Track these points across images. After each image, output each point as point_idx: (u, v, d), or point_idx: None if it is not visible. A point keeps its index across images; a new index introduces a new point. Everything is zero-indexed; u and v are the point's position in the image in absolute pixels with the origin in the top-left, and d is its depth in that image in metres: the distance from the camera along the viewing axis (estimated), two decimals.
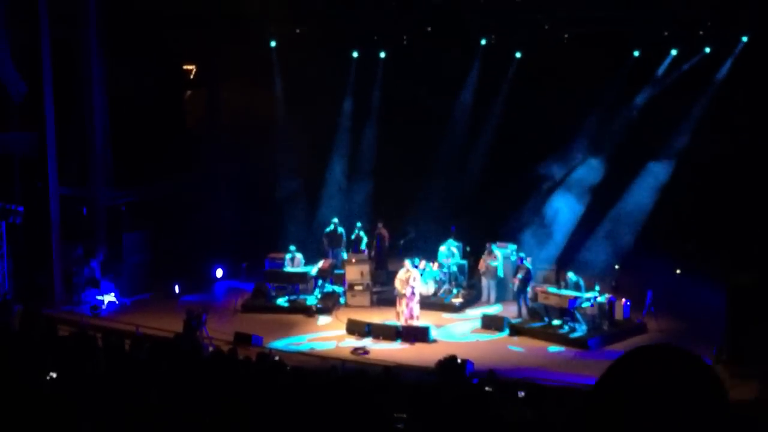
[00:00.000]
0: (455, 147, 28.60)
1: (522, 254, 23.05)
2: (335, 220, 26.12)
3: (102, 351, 11.29)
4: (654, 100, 26.51)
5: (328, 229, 26.03)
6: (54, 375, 7.54)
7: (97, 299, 23.41)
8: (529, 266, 22.59)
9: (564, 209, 26.40)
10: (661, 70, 26.66)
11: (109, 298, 23.64)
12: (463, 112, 28.69)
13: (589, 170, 26.62)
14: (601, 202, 26.39)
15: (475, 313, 22.96)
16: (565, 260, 24.14)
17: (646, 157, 26.57)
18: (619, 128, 26.87)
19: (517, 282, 22.60)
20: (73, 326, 18.24)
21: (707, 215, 25.41)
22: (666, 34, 26.29)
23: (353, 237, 25.83)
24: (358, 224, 26.04)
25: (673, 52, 26.39)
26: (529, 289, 22.30)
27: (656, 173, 26.38)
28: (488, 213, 26.63)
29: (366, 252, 25.34)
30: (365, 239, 25.73)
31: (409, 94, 27.62)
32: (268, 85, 28.40)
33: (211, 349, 16.92)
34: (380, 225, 26.26)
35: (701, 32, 25.82)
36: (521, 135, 26.62)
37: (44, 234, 23.85)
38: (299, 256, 24.34)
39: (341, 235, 25.95)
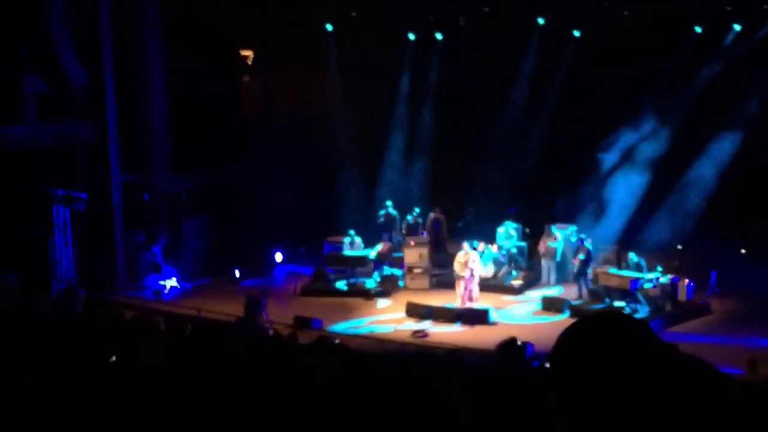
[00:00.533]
0: (513, 128, 28.30)
1: (582, 235, 22.79)
2: (388, 203, 26.08)
3: (164, 335, 11.39)
4: (717, 77, 25.91)
5: (381, 212, 26.00)
6: (115, 359, 7.62)
7: (159, 284, 23.70)
8: (590, 247, 22.32)
9: (625, 189, 26.04)
10: (724, 45, 26.04)
11: (171, 282, 23.92)
12: (521, 93, 28.37)
13: (650, 149, 26.20)
14: (663, 181, 25.95)
15: (535, 295, 22.79)
16: (627, 240, 23.81)
17: (708, 135, 26.01)
18: (680, 106, 26.35)
19: (577, 263, 22.35)
20: (136, 310, 18.47)
21: None
22: (728, 8, 25.67)
23: (410, 221, 25.76)
24: (416, 210, 25.96)
25: (736, 27, 25.76)
26: (589, 271, 22.04)
27: (720, 150, 25.82)
28: (547, 194, 26.35)
29: (424, 234, 25.28)
30: (419, 222, 25.66)
31: (466, 75, 27.39)
32: (324, 70, 28.39)
33: (271, 332, 17.01)
34: (437, 209, 26.15)
35: (766, 6, 25.16)
36: (581, 115, 26.23)
37: (107, 220, 24.21)
38: (358, 239, 24.37)
39: (395, 218, 25.91)
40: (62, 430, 5.70)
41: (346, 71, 28.07)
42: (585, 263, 22.14)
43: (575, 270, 22.52)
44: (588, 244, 22.37)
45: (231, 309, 19.37)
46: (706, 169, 25.85)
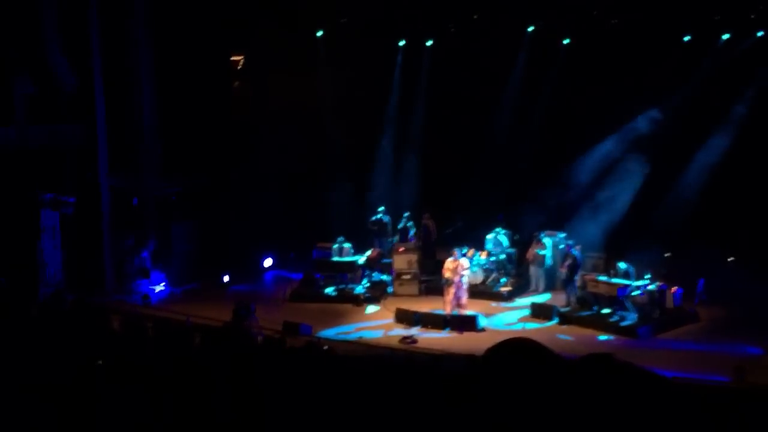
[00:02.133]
0: (503, 135, 28.35)
1: (570, 242, 22.81)
2: (381, 209, 26.07)
3: (152, 340, 11.36)
4: (705, 85, 26.02)
5: (373, 218, 25.99)
6: (101, 363, 7.58)
7: (148, 289, 23.62)
8: (577, 254, 22.35)
9: (614, 196, 26.12)
10: (712, 53, 26.13)
11: (159, 287, 23.83)
12: (510, 101, 28.42)
13: (640, 158, 26.30)
14: (652, 189, 26.05)
15: (524, 302, 22.80)
16: (615, 248, 23.86)
17: (697, 144, 26.14)
18: (669, 114, 26.45)
19: (565, 270, 22.38)
20: (124, 315, 18.38)
21: (760, 202, 24.92)
22: (717, 18, 25.78)
23: (400, 227, 25.75)
24: (406, 214, 25.96)
25: (725, 36, 25.87)
26: (577, 278, 22.07)
27: (708, 159, 25.96)
28: (537, 201, 26.40)
29: (414, 240, 25.26)
30: (413, 230, 25.65)
31: (457, 83, 27.45)
32: (314, 76, 28.38)
33: (260, 338, 16.95)
34: (427, 215, 26.15)
35: (753, 15, 25.28)
36: (571, 122, 26.35)
37: (95, 224, 24.12)
38: (348, 246, 24.34)
39: (387, 224, 25.89)
40: None
41: (337, 77, 28.06)
42: (572, 270, 22.16)
43: (563, 277, 22.55)
44: (576, 251, 22.40)
45: (220, 314, 19.29)
46: (694, 178, 25.97)
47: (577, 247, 22.59)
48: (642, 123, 26.47)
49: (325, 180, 28.14)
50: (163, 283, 23.96)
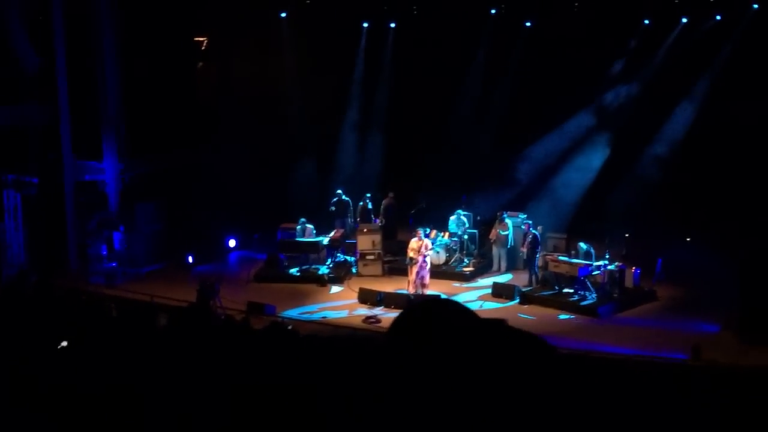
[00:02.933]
0: (466, 117, 28.41)
1: (529, 221, 22.89)
2: (339, 190, 26.01)
3: (116, 321, 11.26)
4: (664, 69, 26.24)
5: (333, 200, 25.93)
6: (65, 344, 7.51)
7: (112, 270, 23.42)
8: (536, 233, 22.48)
9: (574, 178, 26.31)
10: (671, 38, 26.34)
11: (124, 268, 23.65)
12: (473, 82, 28.47)
13: (600, 138, 26.51)
14: (612, 170, 26.27)
15: (486, 282, 22.91)
16: (576, 229, 24.05)
17: (655, 127, 26.39)
18: (629, 96, 26.67)
19: (525, 249, 22.51)
20: (88, 296, 18.23)
21: (717, 183, 25.22)
22: (676, 1, 25.97)
23: (361, 207, 25.73)
24: (368, 195, 25.94)
25: (684, 20, 26.07)
26: (538, 256, 22.21)
27: (666, 139, 26.24)
28: (499, 182, 26.52)
29: (378, 221, 25.28)
30: (371, 209, 25.62)
31: (421, 64, 27.44)
32: (278, 57, 28.21)
33: (223, 318, 16.91)
34: (390, 195, 26.16)
35: None
36: (532, 104, 26.45)
37: (59, 205, 23.85)
38: (310, 226, 24.28)
39: (347, 204, 25.86)
40: (8, 417, 5.62)
41: (301, 57, 27.90)
42: (533, 249, 22.29)
43: (525, 257, 22.69)
44: (535, 230, 22.52)
45: (184, 295, 19.21)
46: (652, 159, 26.22)
47: (538, 228, 22.72)
48: (603, 103, 26.68)
49: (290, 161, 28.04)
50: (128, 264, 23.74)
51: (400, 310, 3.04)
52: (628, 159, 26.27)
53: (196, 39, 28.74)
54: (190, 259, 24.59)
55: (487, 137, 27.96)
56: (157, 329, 10.66)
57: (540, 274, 22.12)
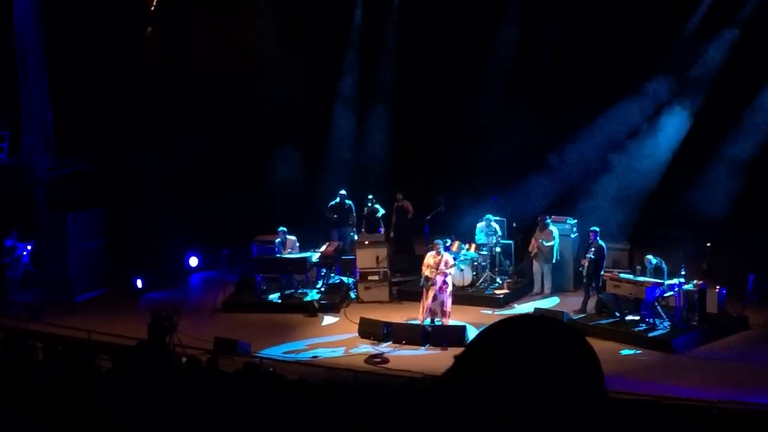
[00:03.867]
0: (494, 102, 28.38)
1: (594, 228, 22.80)
2: (342, 191, 26.02)
3: (43, 365, 11.24)
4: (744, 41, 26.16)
5: (333, 203, 25.93)
6: None
7: (37, 298, 23.42)
8: (603, 244, 22.44)
9: (638, 172, 26.26)
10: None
11: (53, 295, 23.65)
12: (505, 48, 28.47)
13: (669, 123, 26.45)
14: (687, 161, 26.20)
15: (525, 308, 22.88)
16: (642, 237, 23.98)
17: (740, 109, 26.28)
18: (701, 74, 26.59)
19: (587, 263, 22.45)
20: (6, 333, 18.24)
21: None
22: None
23: (365, 212, 25.74)
24: (370, 196, 25.94)
25: None
26: (602, 274, 22.15)
27: (753, 127, 26.14)
28: (539, 179, 26.48)
29: (382, 231, 25.27)
30: (381, 212, 25.62)
31: (433, 33, 27.41)
32: (253, 22, 28.24)
33: (184, 359, 16.90)
34: (400, 196, 26.15)
35: None
36: (575, 85, 26.36)
37: None
38: (292, 238, 24.26)
39: (350, 209, 25.87)
40: None
41: (283, 26, 27.91)
42: (598, 265, 22.22)
43: (585, 272, 22.59)
44: (601, 240, 22.46)
45: (132, 329, 19.20)
46: (741, 146, 26.11)
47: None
48: (675, 72, 26.55)
49: (267, 154, 28.05)
50: (58, 290, 23.77)
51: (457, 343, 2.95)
52: (710, 145, 26.18)
53: None
54: (140, 284, 24.60)
55: (524, 120, 27.93)
56: (98, 375, 10.64)
57: (598, 296, 22.07)
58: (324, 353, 20.60)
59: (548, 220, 23.89)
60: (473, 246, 24.24)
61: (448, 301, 21.67)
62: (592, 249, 22.38)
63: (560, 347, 2.66)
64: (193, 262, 26.42)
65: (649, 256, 21.48)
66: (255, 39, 28.32)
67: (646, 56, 26.23)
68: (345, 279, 24.57)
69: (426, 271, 21.65)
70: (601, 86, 26.09)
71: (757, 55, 25.73)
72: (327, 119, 28.90)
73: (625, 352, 20.45)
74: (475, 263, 24.08)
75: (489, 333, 2.73)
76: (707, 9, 26.63)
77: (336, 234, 25.64)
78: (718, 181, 25.88)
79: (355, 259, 24.23)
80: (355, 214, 25.95)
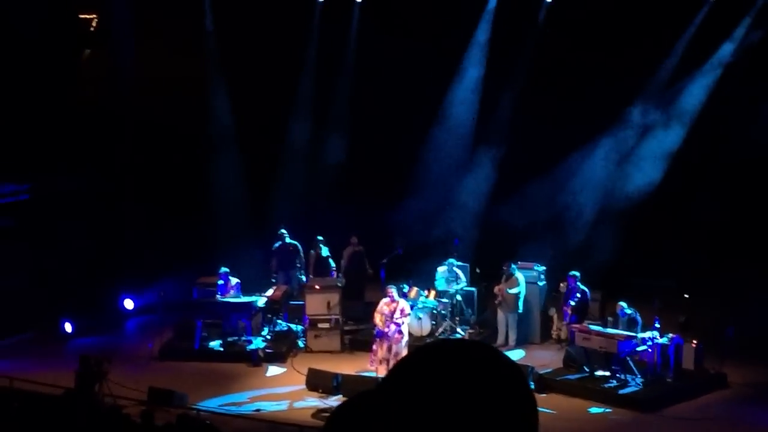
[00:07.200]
0: (457, 128, 28.47)
1: (575, 272, 22.84)
2: (282, 231, 25.92)
3: None
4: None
5: (275, 246, 25.84)
6: None
7: None
8: (586, 289, 22.52)
9: (610, 216, 26.39)
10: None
11: None
12: (467, 79, 28.57)
13: (646, 159, 26.59)
14: (660, 204, 26.34)
15: None
16: (613, 285, 24.11)
17: (719, 147, 26.41)
18: (683, 99, 26.81)
19: (570, 311, 22.50)
20: None
21: None
22: None
23: (314, 254, 25.70)
24: (319, 237, 25.89)
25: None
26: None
27: (732, 168, 26.32)
28: (505, 222, 26.52)
29: (334, 275, 25.26)
30: (329, 257, 25.58)
31: (393, 51, 27.45)
32: (196, 39, 28.29)
33: (114, 410, 16.81)
34: (354, 239, 26.15)
35: None
36: (547, 111, 26.41)
37: None
38: (235, 280, 24.17)
39: (296, 249, 25.82)
40: None
41: (227, 39, 27.95)
42: (582, 313, 22.27)
43: (567, 320, 22.64)
44: (584, 285, 22.54)
45: (58, 378, 19.07)
46: (718, 192, 26.12)
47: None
48: (655, 97, 26.69)
49: (211, 183, 28.02)
50: None
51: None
52: (692, 179, 26.28)
53: (81, 16, 28.74)
54: (68, 327, 24.44)
55: (487, 156, 27.96)
56: (17, 427, 10.55)
57: (564, 351, 22.15)
58: (268, 406, 20.57)
59: (513, 267, 23.93)
60: (433, 293, 24.26)
61: (404, 352, 21.65)
62: (578, 295, 22.43)
63: (488, 376, 2.80)
64: (128, 304, 26.28)
65: (623, 304, 21.54)
66: (198, 60, 28.34)
67: (613, 103, 26.35)
68: (293, 326, 24.51)
69: (377, 319, 21.64)
70: (577, 109, 26.10)
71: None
72: (276, 147, 28.87)
73: (594, 410, 20.52)
74: (435, 312, 24.09)
75: (418, 354, 2.84)
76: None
77: (282, 277, 25.57)
78: (699, 221, 25.96)
79: (304, 305, 24.20)
80: (302, 255, 25.89)
